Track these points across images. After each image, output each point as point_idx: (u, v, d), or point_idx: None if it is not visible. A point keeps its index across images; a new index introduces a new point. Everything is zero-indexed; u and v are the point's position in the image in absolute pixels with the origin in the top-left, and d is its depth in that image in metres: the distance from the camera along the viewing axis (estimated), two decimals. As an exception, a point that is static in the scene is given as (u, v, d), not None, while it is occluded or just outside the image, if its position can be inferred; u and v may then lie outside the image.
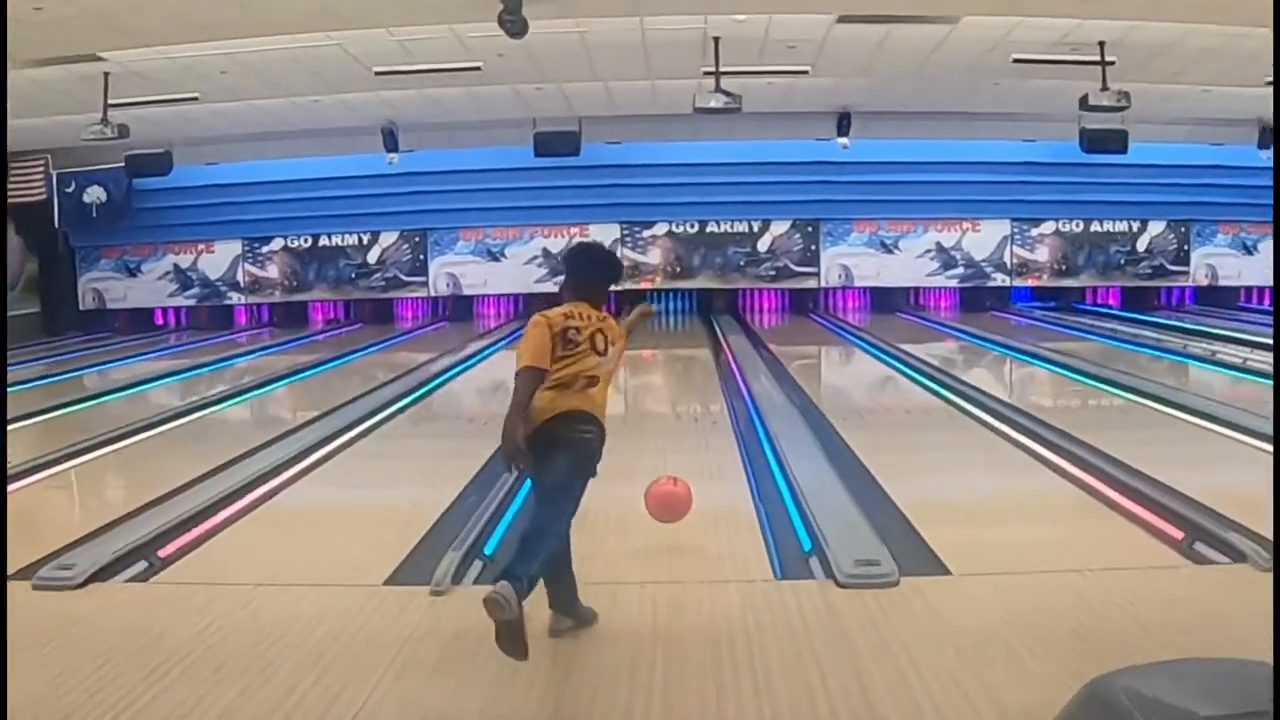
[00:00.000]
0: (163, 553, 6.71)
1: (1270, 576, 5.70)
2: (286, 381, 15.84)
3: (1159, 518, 6.89)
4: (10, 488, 8.64)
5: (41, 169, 21.72)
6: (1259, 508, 6.18)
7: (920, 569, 6.04)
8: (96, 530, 7.10)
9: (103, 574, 6.19)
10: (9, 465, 8.73)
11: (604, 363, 5.31)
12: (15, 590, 5.95)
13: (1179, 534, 6.55)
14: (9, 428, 10.42)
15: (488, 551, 6.62)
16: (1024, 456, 9.21)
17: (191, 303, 25.39)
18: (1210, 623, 5.15)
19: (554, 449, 5.07)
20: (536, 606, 4.97)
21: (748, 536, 6.87)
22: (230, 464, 9.25)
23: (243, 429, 12.31)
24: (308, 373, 16.63)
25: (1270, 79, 16.11)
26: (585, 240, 4.71)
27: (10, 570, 6.17)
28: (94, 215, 23.16)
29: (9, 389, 13.92)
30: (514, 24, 11.98)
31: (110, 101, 15.79)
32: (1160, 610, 5.32)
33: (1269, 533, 6.19)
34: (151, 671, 4.79)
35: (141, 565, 6.48)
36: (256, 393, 14.81)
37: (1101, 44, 15.06)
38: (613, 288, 5.73)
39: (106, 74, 14.78)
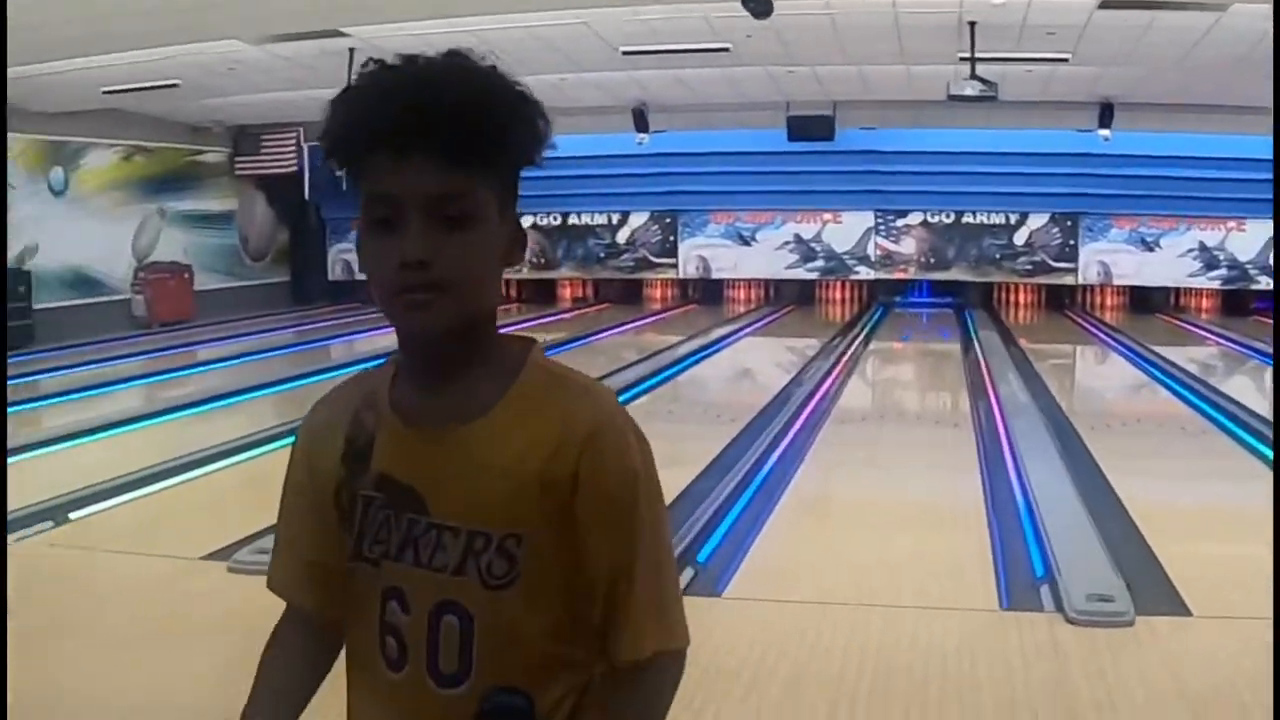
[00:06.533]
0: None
1: None
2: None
3: None
4: (236, 459, 8.73)
5: (293, 141, 21.97)
6: None
7: (1157, 606, 5.48)
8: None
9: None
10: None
11: None
12: (210, 570, 5.91)
13: None
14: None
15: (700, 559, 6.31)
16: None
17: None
18: None
19: None
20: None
21: (975, 556, 6.39)
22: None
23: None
24: (554, 350, 16.46)
25: None
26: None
27: (208, 551, 6.14)
28: (344, 188, 23.26)
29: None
30: (758, 5, 11.71)
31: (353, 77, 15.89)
32: None
33: None
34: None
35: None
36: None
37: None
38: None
39: (352, 50, 14.88)
